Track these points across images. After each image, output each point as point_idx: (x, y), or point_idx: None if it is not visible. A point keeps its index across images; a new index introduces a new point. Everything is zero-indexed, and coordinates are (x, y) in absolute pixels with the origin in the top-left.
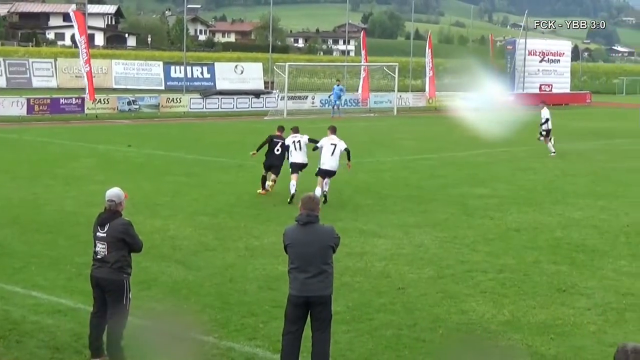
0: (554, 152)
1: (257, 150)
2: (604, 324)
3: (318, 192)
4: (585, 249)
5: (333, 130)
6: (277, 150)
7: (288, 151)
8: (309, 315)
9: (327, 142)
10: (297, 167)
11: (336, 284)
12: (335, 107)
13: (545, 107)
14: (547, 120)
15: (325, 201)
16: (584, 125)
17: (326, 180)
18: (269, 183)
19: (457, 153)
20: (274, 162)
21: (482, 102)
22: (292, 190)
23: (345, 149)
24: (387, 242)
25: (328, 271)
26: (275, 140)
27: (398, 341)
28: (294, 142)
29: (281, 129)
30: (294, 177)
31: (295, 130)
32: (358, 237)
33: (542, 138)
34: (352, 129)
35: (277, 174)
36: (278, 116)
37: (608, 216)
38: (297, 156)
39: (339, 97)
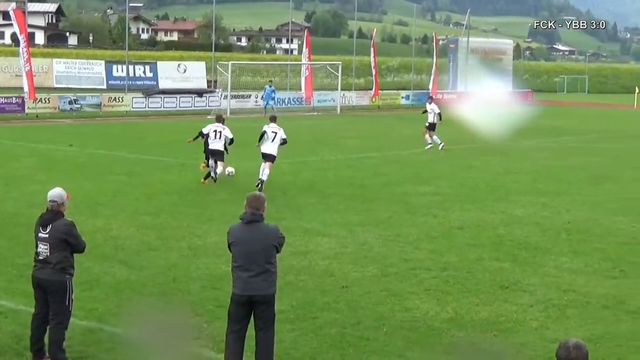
0: (431, 145)
1: (194, 139)
2: (546, 320)
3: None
4: (527, 246)
5: (273, 120)
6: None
7: (208, 138)
8: (252, 315)
9: (269, 130)
10: (215, 154)
11: (280, 282)
12: (269, 107)
13: (432, 102)
14: (437, 114)
15: (260, 188)
16: (526, 124)
17: (267, 164)
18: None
19: (401, 151)
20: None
21: (484, 99)
22: (212, 174)
23: (284, 139)
24: (330, 241)
25: (271, 270)
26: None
27: (342, 340)
28: (215, 131)
29: (220, 118)
30: (220, 164)
31: (219, 119)
32: (302, 236)
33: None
34: (296, 127)
35: (221, 160)
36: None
37: (550, 213)
38: (215, 144)
39: (272, 98)
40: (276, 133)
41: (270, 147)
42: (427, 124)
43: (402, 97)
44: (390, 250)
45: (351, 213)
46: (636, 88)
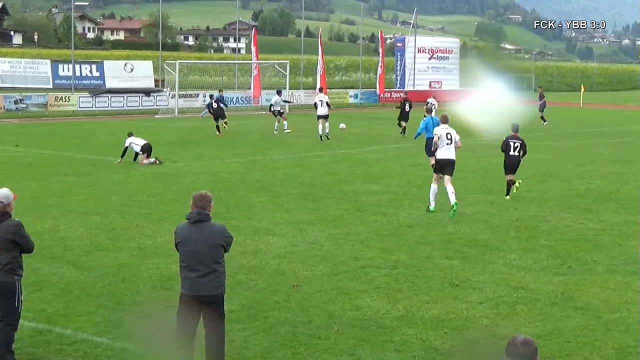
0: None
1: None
2: (496, 317)
3: None
4: (476, 243)
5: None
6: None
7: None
8: (201, 314)
9: None
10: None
11: (230, 282)
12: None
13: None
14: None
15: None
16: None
17: None
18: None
19: (350, 150)
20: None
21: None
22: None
23: None
24: (281, 240)
25: (219, 270)
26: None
27: (293, 338)
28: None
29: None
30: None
31: (130, 134)
32: (252, 235)
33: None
34: (245, 126)
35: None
36: (169, 114)
37: (498, 211)
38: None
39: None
40: None
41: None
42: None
43: (350, 96)
44: (341, 248)
45: (301, 212)
46: (582, 86)
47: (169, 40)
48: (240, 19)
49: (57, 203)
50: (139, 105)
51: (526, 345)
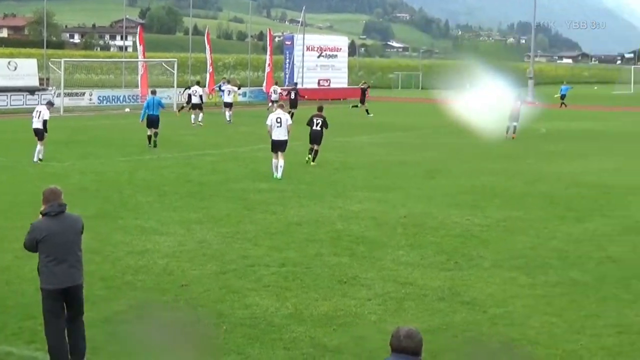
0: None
1: None
2: (384, 314)
3: None
4: (365, 240)
5: None
6: None
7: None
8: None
9: None
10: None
11: (118, 282)
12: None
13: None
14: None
15: None
16: (362, 120)
17: None
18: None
19: (238, 148)
20: None
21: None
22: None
23: None
24: (169, 239)
25: (81, 258)
26: None
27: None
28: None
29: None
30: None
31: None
32: (139, 235)
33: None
34: (131, 125)
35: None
36: (54, 113)
37: (386, 208)
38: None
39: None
40: None
41: None
42: None
43: (239, 94)
44: (229, 247)
45: (189, 211)
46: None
47: (54, 38)
48: (128, 16)
49: None
50: (23, 104)
51: (409, 338)
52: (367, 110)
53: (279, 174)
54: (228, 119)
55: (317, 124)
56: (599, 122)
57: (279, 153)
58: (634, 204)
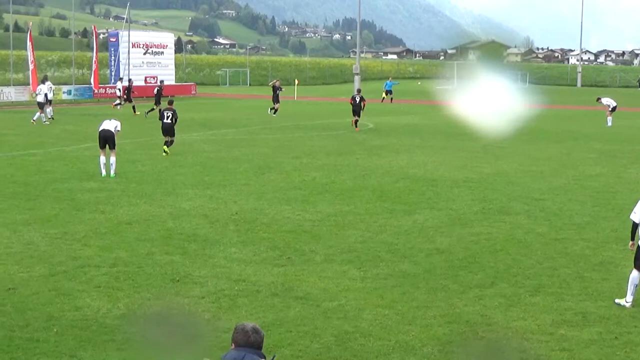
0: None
1: None
2: (218, 311)
3: None
4: (196, 238)
5: None
6: None
7: None
8: None
9: None
10: None
11: None
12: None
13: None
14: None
15: None
16: (190, 117)
17: None
18: None
19: (65, 147)
20: None
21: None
22: None
23: None
24: None
25: None
26: None
27: (10, 343)
28: None
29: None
30: None
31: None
32: None
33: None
34: None
35: None
36: None
37: (217, 205)
38: None
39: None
40: None
41: None
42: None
43: (64, 92)
44: (58, 248)
45: (15, 212)
46: (295, 80)
47: None
48: None
49: None
50: None
51: (257, 333)
52: (273, 110)
53: (112, 172)
54: (50, 116)
55: (167, 117)
56: (424, 117)
57: (108, 149)
58: (459, 196)
